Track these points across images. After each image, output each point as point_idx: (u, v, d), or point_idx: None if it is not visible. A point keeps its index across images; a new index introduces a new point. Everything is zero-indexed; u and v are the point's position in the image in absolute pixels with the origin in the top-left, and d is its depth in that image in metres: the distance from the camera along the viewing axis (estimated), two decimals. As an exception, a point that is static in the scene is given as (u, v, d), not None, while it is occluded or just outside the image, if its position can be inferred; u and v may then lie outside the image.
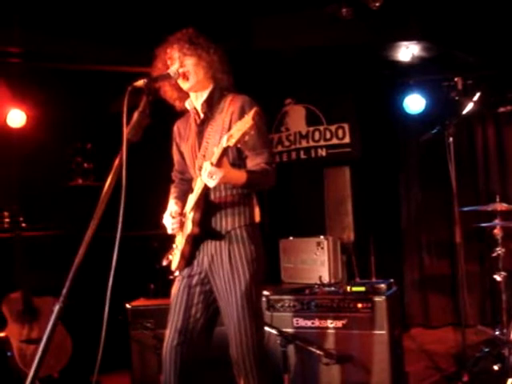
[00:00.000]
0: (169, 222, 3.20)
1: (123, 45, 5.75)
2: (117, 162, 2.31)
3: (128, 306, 4.64)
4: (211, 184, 2.76)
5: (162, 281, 4.91)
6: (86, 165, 6.25)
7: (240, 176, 2.90)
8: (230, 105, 3.08)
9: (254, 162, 3.02)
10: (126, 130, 2.34)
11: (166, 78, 2.95)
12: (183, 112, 3.32)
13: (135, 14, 5.31)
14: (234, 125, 2.68)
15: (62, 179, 6.16)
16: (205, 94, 3.14)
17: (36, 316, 4.79)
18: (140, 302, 4.78)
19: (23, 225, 4.96)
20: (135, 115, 2.42)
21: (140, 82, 2.50)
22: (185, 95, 3.20)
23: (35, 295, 4.85)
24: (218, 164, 2.73)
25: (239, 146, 2.75)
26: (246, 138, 2.63)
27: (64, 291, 2.13)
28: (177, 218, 3.17)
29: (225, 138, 2.67)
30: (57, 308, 2.12)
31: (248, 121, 2.58)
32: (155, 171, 6.16)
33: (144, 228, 5.48)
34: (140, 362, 4.51)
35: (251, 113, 2.61)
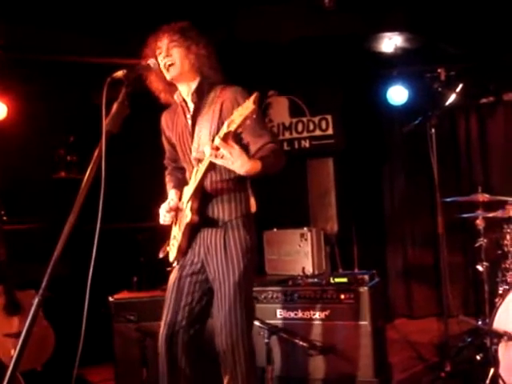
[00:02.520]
0: (163, 212, 3.19)
1: (106, 36, 5.71)
2: (96, 153, 2.29)
3: (111, 298, 4.62)
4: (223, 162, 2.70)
5: (146, 273, 4.91)
6: (69, 157, 6.19)
7: (255, 164, 2.79)
8: (220, 95, 3.08)
9: (258, 145, 2.98)
10: (105, 122, 2.33)
11: (146, 69, 2.89)
12: (167, 104, 3.30)
13: (119, 4, 5.27)
14: (235, 110, 2.61)
15: (45, 172, 6.10)
16: (193, 86, 3.14)
17: (19, 310, 4.76)
18: (123, 295, 4.76)
19: (5, 218, 4.92)
20: (114, 106, 2.40)
21: (119, 73, 2.47)
22: (171, 87, 3.19)
23: (18, 289, 4.82)
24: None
25: (239, 131, 2.70)
26: (248, 122, 2.58)
27: (43, 284, 2.12)
28: (172, 213, 3.17)
29: (226, 123, 2.62)
30: (36, 301, 2.11)
31: (249, 106, 2.54)
32: (140, 164, 6.15)
33: (128, 220, 5.46)
34: (123, 354, 4.49)
35: (252, 97, 2.55)
